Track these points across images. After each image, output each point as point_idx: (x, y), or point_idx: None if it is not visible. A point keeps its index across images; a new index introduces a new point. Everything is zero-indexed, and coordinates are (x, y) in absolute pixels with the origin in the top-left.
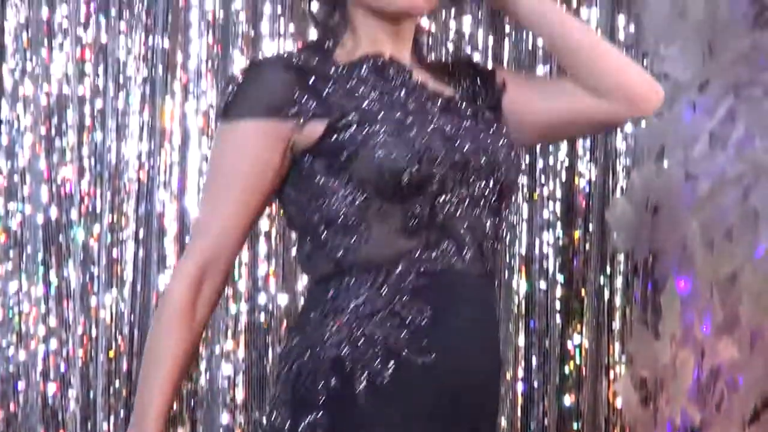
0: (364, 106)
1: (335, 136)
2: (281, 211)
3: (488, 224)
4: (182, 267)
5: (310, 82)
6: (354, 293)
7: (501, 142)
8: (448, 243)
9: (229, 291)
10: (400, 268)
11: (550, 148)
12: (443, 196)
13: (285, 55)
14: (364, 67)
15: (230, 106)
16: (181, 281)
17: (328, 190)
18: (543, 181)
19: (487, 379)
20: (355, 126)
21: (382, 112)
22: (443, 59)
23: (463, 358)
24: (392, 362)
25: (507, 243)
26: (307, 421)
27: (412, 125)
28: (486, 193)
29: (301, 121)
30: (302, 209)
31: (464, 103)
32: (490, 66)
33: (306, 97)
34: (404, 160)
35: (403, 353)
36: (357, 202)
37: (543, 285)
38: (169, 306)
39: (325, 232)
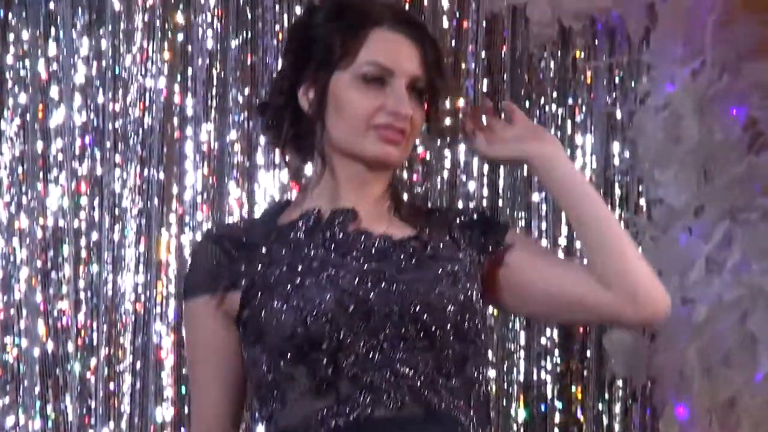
0: (269, 271)
1: (247, 306)
2: None
3: (425, 364)
4: None
5: (235, 254)
6: None
7: (433, 278)
8: (362, 393)
9: None
10: (311, 428)
11: None
12: (346, 350)
13: (220, 228)
14: (298, 225)
15: (184, 286)
16: None
17: (252, 359)
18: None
19: None
20: (259, 294)
21: (283, 276)
22: (445, 208)
23: None
24: None
25: (505, 370)
26: None
27: (305, 283)
28: (406, 334)
29: (222, 293)
30: (247, 377)
31: (413, 242)
32: (505, 224)
33: (225, 268)
34: (290, 324)
35: None
36: (270, 370)
37: (542, 411)
38: None
39: (255, 399)
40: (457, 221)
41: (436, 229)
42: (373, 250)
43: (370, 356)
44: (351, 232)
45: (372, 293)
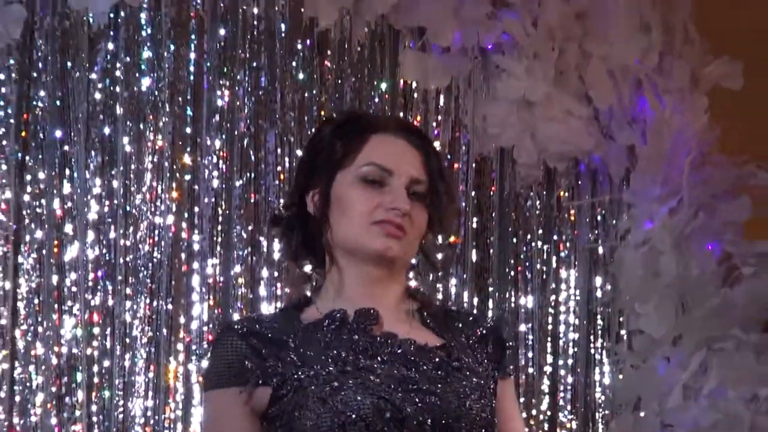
0: (302, 371)
1: (278, 403)
2: None
3: None
4: None
5: (263, 351)
6: None
7: (461, 389)
8: None
9: None
10: None
11: (533, 400)
12: None
13: (244, 322)
14: (325, 325)
15: (204, 377)
16: None
17: None
18: (526, 417)
19: None
20: (292, 393)
21: (318, 377)
22: (463, 312)
23: None
24: None
25: None
26: None
27: (342, 388)
28: None
29: (252, 388)
30: None
31: (440, 352)
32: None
33: (255, 364)
34: (328, 426)
35: None
36: None
37: None
38: None
39: None
40: (477, 333)
41: (457, 337)
42: (401, 355)
43: None
44: (377, 335)
45: (407, 402)
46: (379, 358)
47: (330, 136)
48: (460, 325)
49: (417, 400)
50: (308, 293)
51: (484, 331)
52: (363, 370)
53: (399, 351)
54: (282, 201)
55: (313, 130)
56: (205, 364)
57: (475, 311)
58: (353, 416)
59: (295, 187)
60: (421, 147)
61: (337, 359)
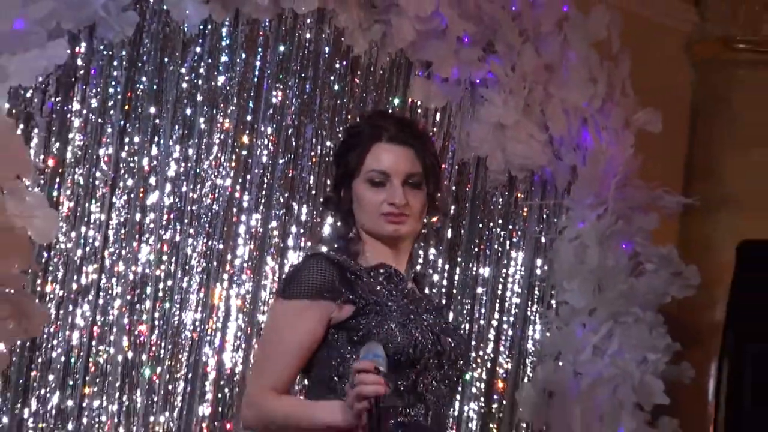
0: (379, 299)
1: (359, 318)
2: None
3: (447, 395)
4: (253, 393)
5: (347, 276)
6: None
7: (464, 340)
8: (420, 406)
9: None
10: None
11: (481, 344)
12: (424, 374)
13: (329, 253)
14: (381, 271)
15: (289, 288)
16: (257, 395)
17: (346, 354)
18: (474, 366)
19: None
20: (373, 313)
21: (393, 307)
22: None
23: None
24: None
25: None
26: None
27: (410, 320)
28: (450, 374)
29: (340, 302)
30: (324, 365)
31: (439, 309)
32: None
33: (343, 287)
34: (404, 345)
35: None
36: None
37: None
38: (254, 405)
39: (338, 382)
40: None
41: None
42: (428, 307)
43: (431, 383)
44: (411, 290)
45: (446, 343)
46: (420, 308)
47: (346, 149)
48: (422, 281)
49: (450, 341)
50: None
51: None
52: (419, 315)
53: (426, 304)
54: (312, 178)
55: (342, 132)
56: (243, 290)
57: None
58: (419, 341)
59: (333, 182)
60: (411, 145)
61: (398, 300)
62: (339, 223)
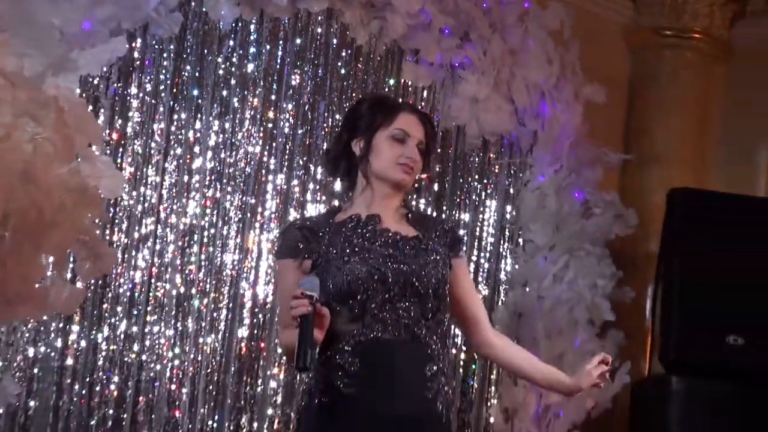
0: (331, 249)
1: (314, 270)
2: None
3: (413, 310)
4: (279, 333)
5: (309, 237)
6: (324, 354)
7: (424, 263)
8: (376, 325)
9: (276, 341)
10: (346, 339)
11: None
12: (370, 300)
13: (299, 221)
14: (346, 222)
15: (276, 250)
16: (279, 334)
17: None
18: None
19: (403, 408)
20: (322, 264)
21: (339, 253)
22: (434, 216)
23: (383, 391)
24: (331, 391)
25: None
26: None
27: (350, 260)
28: (406, 294)
29: (300, 260)
30: None
31: (414, 240)
32: (462, 242)
33: (304, 246)
34: (340, 281)
35: (338, 386)
36: (329, 306)
37: (454, 352)
38: (280, 340)
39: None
40: (439, 227)
41: (427, 230)
42: (390, 241)
43: (384, 305)
44: (378, 229)
45: (389, 270)
46: (377, 243)
47: (371, 108)
48: (431, 224)
49: (394, 267)
50: (336, 203)
51: (446, 228)
52: (365, 250)
53: (390, 239)
54: (326, 144)
55: (354, 103)
56: (272, 235)
57: (443, 217)
58: (356, 277)
59: (342, 137)
60: (424, 123)
61: (350, 243)
62: (336, 172)
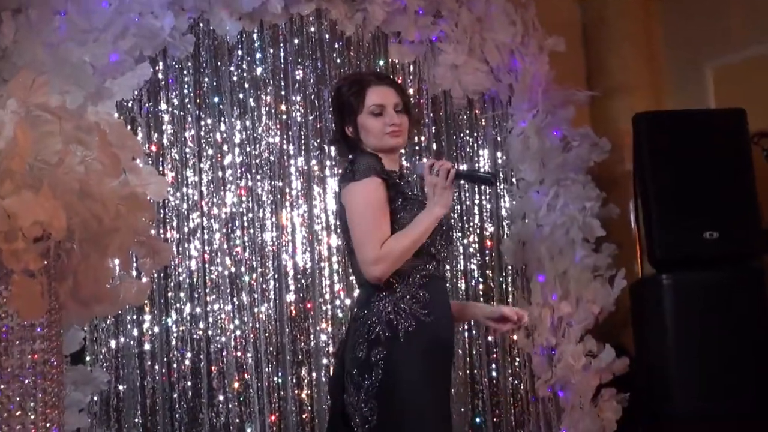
0: (403, 190)
1: (395, 203)
2: None
3: (445, 250)
4: (376, 254)
5: (380, 170)
6: (393, 287)
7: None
8: (434, 264)
9: (320, 299)
10: (413, 274)
11: (470, 216)
12: (436, 240)
13: (378, 165)
14: (395, 174)
15: (357, 173)
16: (379, 253)
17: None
18: (469, 232)
19: (453, 331)
20: (401, 201)
21: (410, 197)
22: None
23: (444, 319)
24: (413, 320)
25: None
26: (375, 352)
27: (417, 203)
28: (444, 236)
29: (385, 184)
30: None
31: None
32: None
33: (384, 175)
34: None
35: (419, 316)
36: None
37: (473, 283)
38: (383, 259)
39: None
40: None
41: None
42: (422, 193)
43: (436, 244)
44: (407, 182)
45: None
46: (418, 193)
47: (347, 94)
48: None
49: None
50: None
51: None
52: (419, 198)
53: (420, 191)
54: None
55: (333, 92)
56: (301, 210)
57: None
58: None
59: (337, 125)
60: (392, 86)
61: (408, 191)
62: (341, 149)
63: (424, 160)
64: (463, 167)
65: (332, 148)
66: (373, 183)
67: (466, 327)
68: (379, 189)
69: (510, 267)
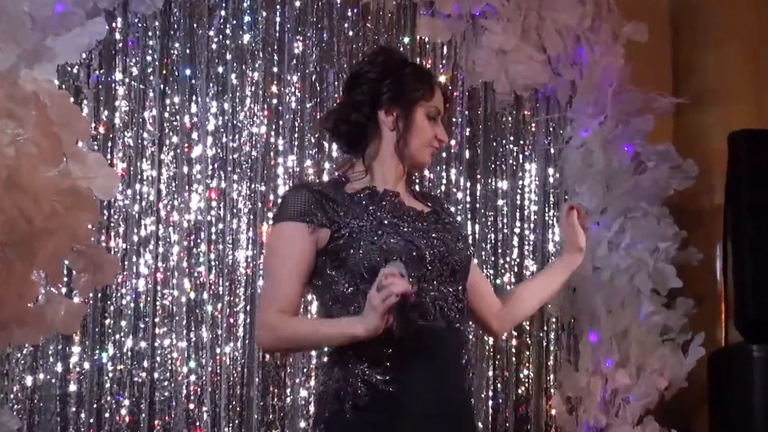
0: (356, 221)
1: (334, 242)
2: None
3: (448, 293)
4: (266, 318)
5: (324, 204)
6: (348, 348)
7: (452, 237)
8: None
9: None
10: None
11: (507, 250)
12: (425, 279)
13: (312, 183)
14: (362, 195)
15: (278, 214)
16: (269, 318)
17: (332, 278)
18: (502, 271)
19: (445, 403)
20: (347, 237)
21: (366, 226)
22: (434, 195)
23: (418, 386)
24: (366, 389)
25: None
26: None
27: (384, 234)
28: (442, 274)
29: (314, 225)
30: (320, 293)
31: (433, 215)
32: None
33: (321, 213)
34: (375, 259)
35: (374, 382)
36: (350, 288)
37: (504, 338)
38: (270, 329)
39: (333, 307)
40: (445, 205)
41: (438, 207)
42: (417, 217)
43: (419, 285)
44: (397, 203)
45: (425, 244)
46: (405, 218)
47: (413, 77)
48: (435, 200)
49: (430, 243)
50: (336, 174)
51: (448, 206)
52: (394, 225)
53: (416, 215)
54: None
55: (382, 59)
56: None
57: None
58: (392, 253)
59: (365, 100)
60: (445, 95)
61: (376, 217)
62: (345, 148)
63: (399, 263)
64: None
65: (334, 147)
66: (292, 229)
67: (483, 395)
68: (297, 237)
69: (554, 320)
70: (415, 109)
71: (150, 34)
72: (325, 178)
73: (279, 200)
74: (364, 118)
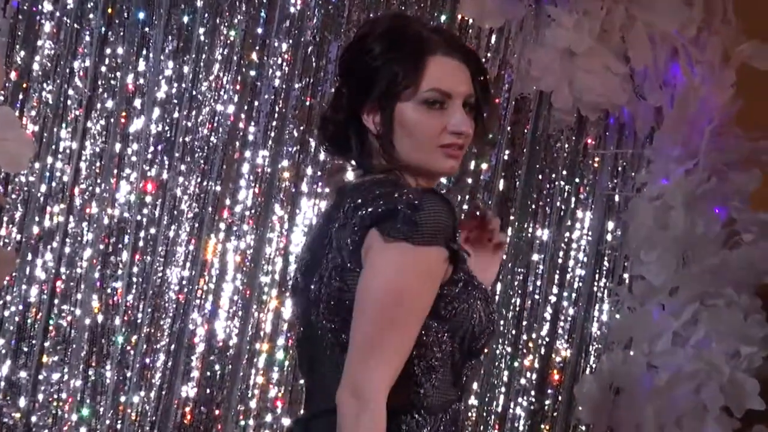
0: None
1: (449, 287)
2: None
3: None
4: (380, 400)
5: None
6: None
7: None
8: (461, 395)
9: (241, 407)
10: (445, 416)
11: (534, 324)
12: (466, 363)
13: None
14: None
15: (419, 231)
16: (382, 403)
17: (431, 329)
18: (524, 352)
19: None
20: (461, 283)
21: (475, 277)
22: None
23: None
24: None
25: (486, 402)
26: None
27: (480, 286)
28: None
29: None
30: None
31: None
32: None
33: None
34: (487, 329)
35: None
36: (448, 348)
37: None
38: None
39: (416, 365)
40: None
41: None
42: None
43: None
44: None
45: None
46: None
47: (385, 59)
48: None
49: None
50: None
51: None
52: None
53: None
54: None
55: (356, 37)
56: (244, 243)
57: None
58: (490, 319)
59: (347, 100)
60: (466, 61)
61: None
62: (354, 161)
63: None
64: None
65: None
66: (437, 257)
67: None
68: (438, 270)
69: (583, 428)
70: (396, 106)
71: None
72: (304, 188)
73: (406, 207)
74: (344, 119)
